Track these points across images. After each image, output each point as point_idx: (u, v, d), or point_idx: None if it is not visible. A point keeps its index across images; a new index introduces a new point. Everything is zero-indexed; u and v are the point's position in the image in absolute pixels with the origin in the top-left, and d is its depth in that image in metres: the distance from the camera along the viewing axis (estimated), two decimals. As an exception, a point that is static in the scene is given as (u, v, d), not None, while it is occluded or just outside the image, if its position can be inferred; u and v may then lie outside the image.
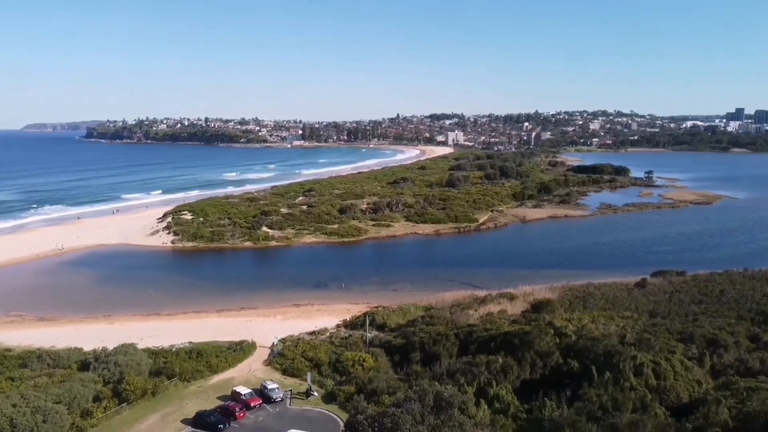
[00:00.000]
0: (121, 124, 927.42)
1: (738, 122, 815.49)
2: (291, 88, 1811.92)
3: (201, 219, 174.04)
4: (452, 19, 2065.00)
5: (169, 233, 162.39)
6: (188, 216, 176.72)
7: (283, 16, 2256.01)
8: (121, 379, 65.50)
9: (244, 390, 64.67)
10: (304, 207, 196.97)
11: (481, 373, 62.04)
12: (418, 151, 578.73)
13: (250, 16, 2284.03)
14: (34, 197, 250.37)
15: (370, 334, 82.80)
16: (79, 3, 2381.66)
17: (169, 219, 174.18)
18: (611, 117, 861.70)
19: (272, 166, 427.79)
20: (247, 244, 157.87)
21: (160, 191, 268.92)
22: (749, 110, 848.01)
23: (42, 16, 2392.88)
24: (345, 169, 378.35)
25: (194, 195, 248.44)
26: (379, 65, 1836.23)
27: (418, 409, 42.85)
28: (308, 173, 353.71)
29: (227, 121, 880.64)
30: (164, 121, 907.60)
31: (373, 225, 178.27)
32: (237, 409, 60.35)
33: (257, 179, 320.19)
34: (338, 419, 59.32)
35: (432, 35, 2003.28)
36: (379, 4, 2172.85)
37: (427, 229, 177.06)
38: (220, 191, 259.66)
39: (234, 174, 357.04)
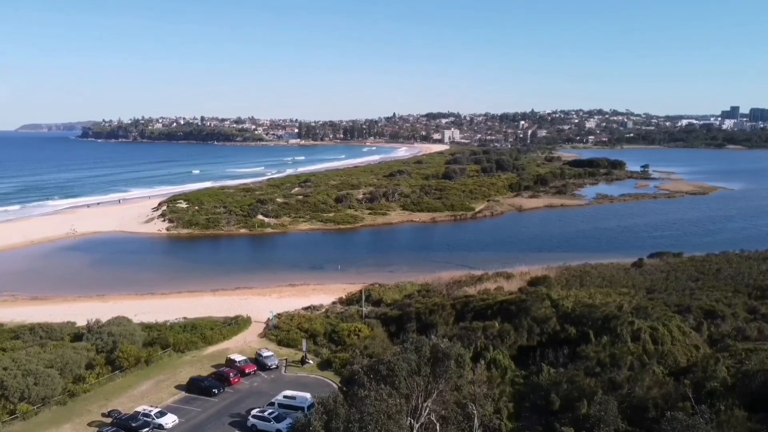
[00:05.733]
0: (116, 123, 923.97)
1: (733, 120, 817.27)
2: (287, 86, 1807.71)
3: (196, 207, 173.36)
4: (449, 18, 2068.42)
5: (164, 221, 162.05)
6: (183, 204, 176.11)
7: (279, 15, 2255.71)
8: (114, 348, 64.84)
9: (239, 357, 64.29)
10: (300, 196, 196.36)
11: (477, 338, 61.67)
12: (415, 149, 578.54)
13: (246, 16, 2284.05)
14: (30, 190, 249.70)
15: (366, 308, 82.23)
16: (75, 3, 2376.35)
17: (164, 207, 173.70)
18: (607, 116, 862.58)
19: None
20: (243, 231, 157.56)
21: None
22: (744, 109, 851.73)
23: (37, 17, 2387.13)
24: (347, 163, 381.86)
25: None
26: (375, 64, 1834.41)
27: (415, 359, 42.27)
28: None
29: (223, 120, 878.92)
30: (160, 120, 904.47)
31: (369, 213, 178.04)
32: (231, 375, 59.90)
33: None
34: (334, 384, 58.78)
35: (429, 35, 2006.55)
36: (375, 4, 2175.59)
37: (423, 217, 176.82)
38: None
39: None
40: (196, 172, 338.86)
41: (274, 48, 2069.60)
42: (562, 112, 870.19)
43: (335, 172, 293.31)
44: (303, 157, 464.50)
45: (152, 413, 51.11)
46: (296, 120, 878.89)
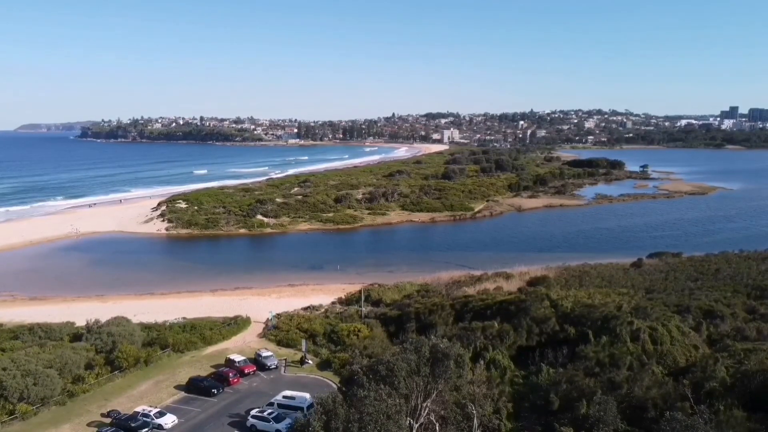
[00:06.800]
0: (115, 123, 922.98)
1: (732, 120, 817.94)
2: (286, 86, 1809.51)
3: (195, 207, 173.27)
4: (447, 18, 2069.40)
5: (163, 221, 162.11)
6: (183, 205, 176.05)
7: (278, 15, 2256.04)
8: (113, 348, 64.85)
9: (238, 357, 64.31)
10: (300, 197, 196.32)
11: (477, 338, 61.66)
12: (415, 149, 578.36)
13: (246, 16, 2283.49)
14: (30, 190, 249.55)
15: (366, 308, 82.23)
16: (73, 3, 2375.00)
17: (164, 207, 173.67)
18: (606, 116, 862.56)
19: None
20: (242, 231, 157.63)
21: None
22: (743, 109, 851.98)
23: (36, 16, 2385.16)
24: (347, 163, 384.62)
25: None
26: (374, 64, 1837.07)
27: (414, 359, 42.23)
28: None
29: (222, 120, 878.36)
30: (159, 120, 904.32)
31: (369, 213, 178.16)
32: (231, 375, 59.90)
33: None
34: (333, 384, 58.75)
35: (428, 34, 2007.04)
36: (374, 4, 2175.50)
37: (422, 217, 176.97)
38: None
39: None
40: (203, 172, 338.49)
41: (273, 48, 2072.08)
42: (561, 112, 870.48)
43: (334, 172, 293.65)
44: (306, 157, 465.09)
45: (152, 413, 51.10)
46: (295, 120, 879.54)
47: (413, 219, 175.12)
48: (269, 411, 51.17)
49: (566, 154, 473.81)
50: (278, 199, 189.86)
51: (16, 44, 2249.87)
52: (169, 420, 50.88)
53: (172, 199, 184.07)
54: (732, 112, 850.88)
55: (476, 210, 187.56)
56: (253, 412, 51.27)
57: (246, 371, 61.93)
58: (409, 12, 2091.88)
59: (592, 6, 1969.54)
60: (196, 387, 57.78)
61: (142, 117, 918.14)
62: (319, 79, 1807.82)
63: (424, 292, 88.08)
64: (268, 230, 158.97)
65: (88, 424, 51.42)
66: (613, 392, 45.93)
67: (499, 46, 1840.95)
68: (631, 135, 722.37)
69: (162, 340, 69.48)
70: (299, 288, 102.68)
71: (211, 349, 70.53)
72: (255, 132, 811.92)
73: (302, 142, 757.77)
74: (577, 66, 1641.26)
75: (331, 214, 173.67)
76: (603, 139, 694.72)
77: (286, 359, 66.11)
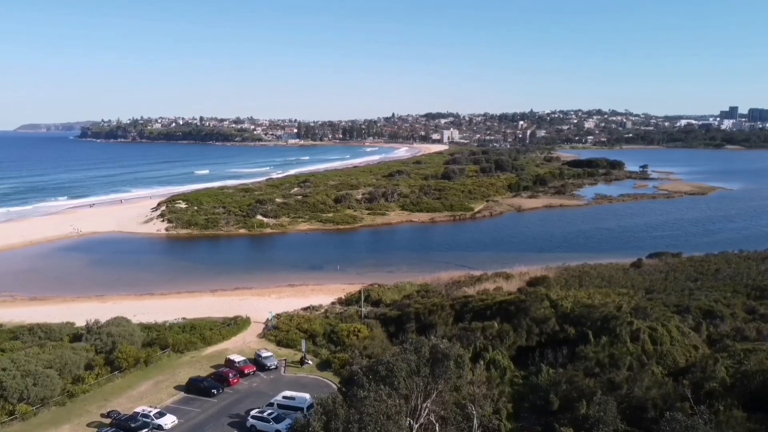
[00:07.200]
0: (115, 123, 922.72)
1: (732, 120, 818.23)
2: (286, 87, 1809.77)
3: (195, 208, 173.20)
4: (447, 18, 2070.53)
5: (163, 221, 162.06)
6: (183, 205, 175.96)
7: (278, 15, 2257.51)
8: (113, 348, 64.85)
9: (238, 358, 64.31)
10: (299, 197, 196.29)
11: (476, 338, 61.67)
12: (415, 149, 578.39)
13: (246, 16, 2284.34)
14: (30, 191, 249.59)
15: (366, 309, 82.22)
16: (73, 3, 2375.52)
17: (163, 207, 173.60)
18: (606, 116, 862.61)
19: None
20: (242, 231, 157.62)
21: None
22: (743, 109, 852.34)
23: (36, 16, 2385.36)
24: (348, 163, 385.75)
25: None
26: (374, 64, 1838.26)
27: (414, 359, 42.26)
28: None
29: (222, 120, 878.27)
30: (159, 120, 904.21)
31: (369, 213, 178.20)
32: (230, 375, 59.89)
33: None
34: (333, 385, 58.79)
35: (428, 34, 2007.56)
36: (374, 4, 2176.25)
37: (422, 217, 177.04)
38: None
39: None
40: (204, 172, 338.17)
41: (273, 48, 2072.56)
42: (561, 112, 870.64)
43: (334, 172, 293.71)
44: (307, 157, 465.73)
45: (151, 414, 51.08)
46: (295, 120, 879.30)
47: (413, 219, 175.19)
48: (269, 411, 51.17)
49: (566, 154, 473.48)
50: (278, 199, 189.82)
51: (16, 44, 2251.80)
52: (168, 420, 50.87)
53: (171, 200, 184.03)
54: (732, 112, 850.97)
55: (476, 210, 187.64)
56: (252, 413, 51.26)
57: (246, 371, 61.93)
58: (409, 12, 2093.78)
59: (592, 6, 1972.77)
60: (195, 387, 57.77)
61: (141, 117, 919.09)
62: (319, 79, 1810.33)
63: (423, 293, 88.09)
64: (268, 230, 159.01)
65: (88, 425, 51.39)
66: (613, 392, 45.95)
67: (499, 46, 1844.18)
68: (630, 135, 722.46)
69: (162, 340, 69.48)
70: (299, 288, 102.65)
71: (210, 350, 70.51)
72: (255, 132, 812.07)
73: (302, 142, 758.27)
74: (577, 66, 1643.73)
75: (331, 214, 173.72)
76: (603, 139, 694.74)
77: (286, 359, 66.09)
